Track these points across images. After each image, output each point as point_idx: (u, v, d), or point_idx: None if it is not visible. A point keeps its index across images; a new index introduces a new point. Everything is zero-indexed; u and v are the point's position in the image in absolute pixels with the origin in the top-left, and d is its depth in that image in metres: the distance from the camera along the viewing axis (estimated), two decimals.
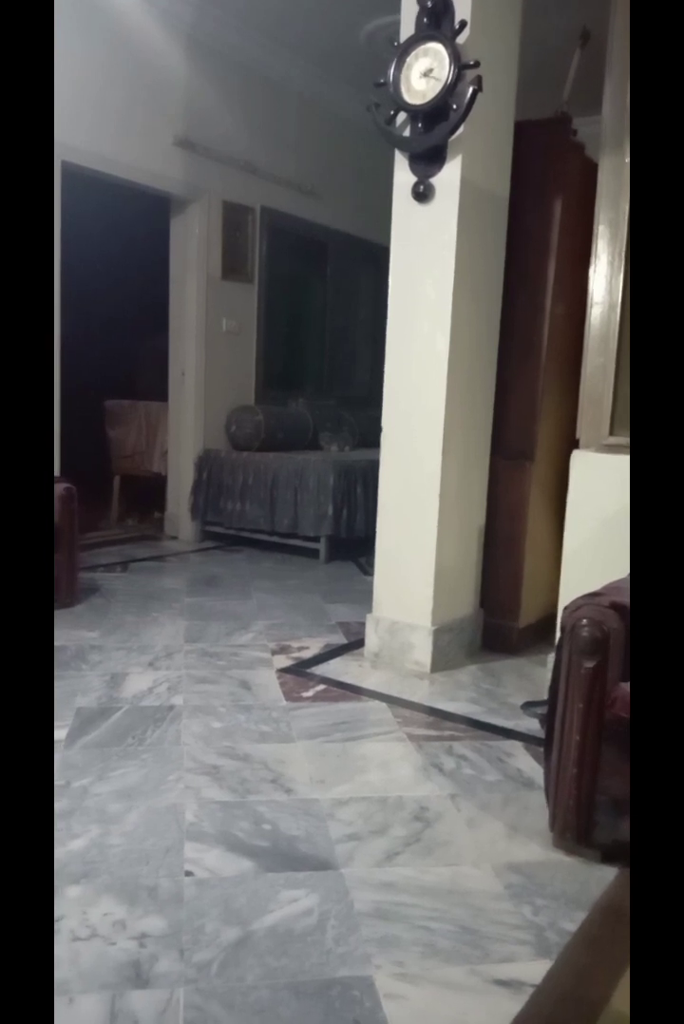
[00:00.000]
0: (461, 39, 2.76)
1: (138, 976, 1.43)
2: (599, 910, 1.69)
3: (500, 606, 3.39)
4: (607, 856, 1.85)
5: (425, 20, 2.82)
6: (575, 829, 1.85)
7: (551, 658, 2.30)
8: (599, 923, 1.66)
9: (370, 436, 5.57)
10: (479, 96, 2.72)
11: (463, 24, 2.74)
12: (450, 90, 2.74)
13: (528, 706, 2.77)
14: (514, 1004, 1.41)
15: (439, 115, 2.81)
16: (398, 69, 2.85)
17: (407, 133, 2.92)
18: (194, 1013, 1.35)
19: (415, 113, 2.86)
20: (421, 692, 2.90)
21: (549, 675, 2.01)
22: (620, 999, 1.44)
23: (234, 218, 5.31)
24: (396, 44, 2.88)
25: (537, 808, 2.04)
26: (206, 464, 5.29)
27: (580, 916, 1.66)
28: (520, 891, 1.74)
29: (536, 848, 1.91)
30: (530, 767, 2.33)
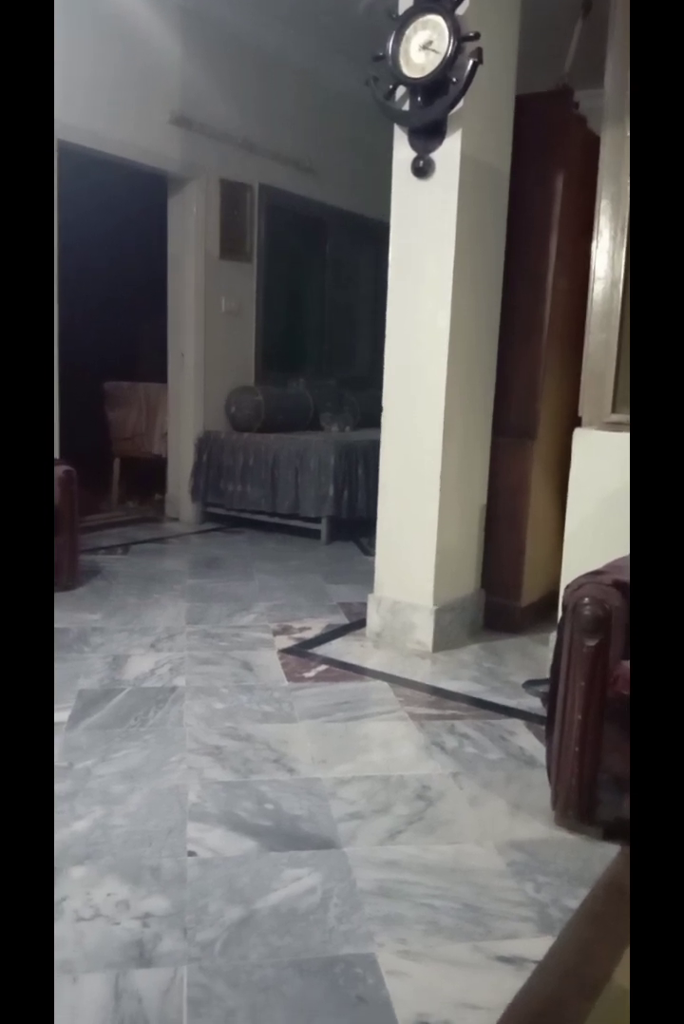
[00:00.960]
0: (461, 10, 2.71)
1: (142, 955, 1.43)
2: (601, 887, 1.70)
3: (502, 585, 3.39)
4: (609, 833, 1.86)
5: None
6: (577, 807, 1.85)
7: (553, 637, 2.30)
8: (601, 900, 1.66)
9: (371, 416, 5.53)
10: (479, 69, 2.68)
11: None
12: (450, 63, 2.70)
13: (530, 685, 2.77)
14: (517, 980, 1.42)
15: (439, 89, 2.77)
16: (397, 42, 2.81)
17: (406, 107, 2.88)
18: (198, 991, 1.36)
19: (414, 87, 2.82)
20: (423, 671, 2.90)
21: (551, 654, 2.01)
22: (622, 975, 1.44)
23: (232, 196, 5.26)
24: (395, 16, 2.84)
25: (539, 786, 2.05)
26: (206, 446, 5.27)
27: (582, 893, 1.67)
28: (522, 868, 1.75)
29: (538, 826, 1.92)
30: (532, 745, 2.33)
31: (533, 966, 1.45)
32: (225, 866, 1.70)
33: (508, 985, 1.40)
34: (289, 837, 1.82)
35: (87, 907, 1.55)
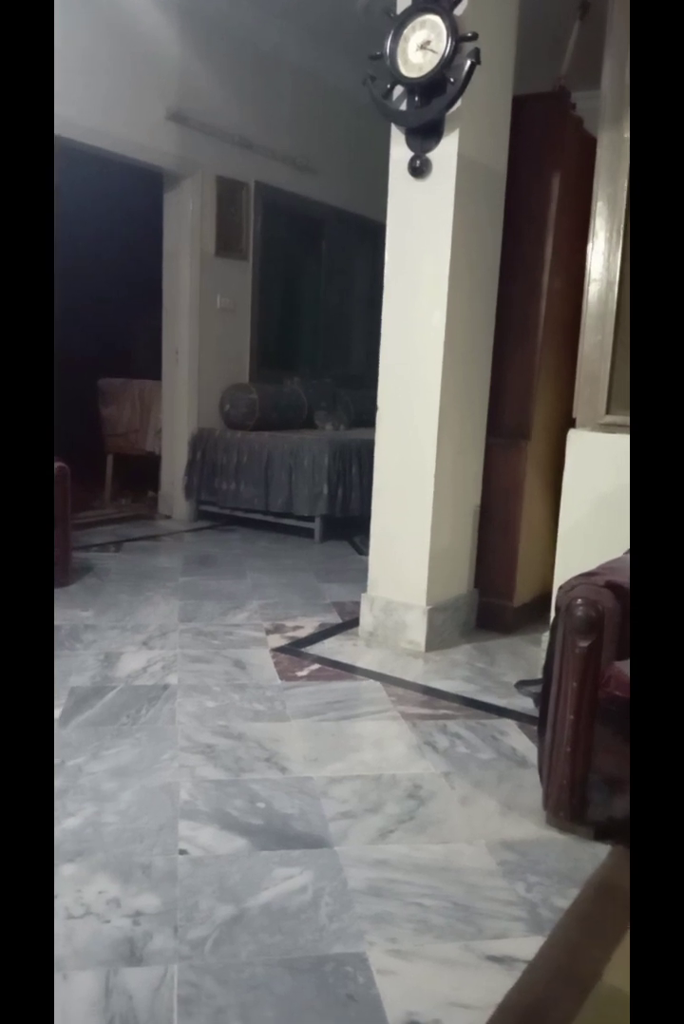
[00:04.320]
0: (459, 11, 2.71)
1: (132, 953, 1.43)
2: (592, 887, 1.70)
3: (495, 585, 3.39)
4: (600, 834, 1.86)
5: None
6: (568, 807, 1.86)
7: (545, 637, 2.30)
8: (592, 900, 1.67)
9: (365, 415, 5.53)
10: (477, 69, 2.68)
11: None
12: (447, 63, 2.70)
13: (522, 685, 2.77)
14: (507, 980, 1.42)
15: (436, 89, 2.77)
16: (395, 41, 2.81)
17: (404, 107, 2.88)
18: (188, 990, 1.36)
19: (412, 86, 2.82)
20: (415, 671, 2.90)
21: (543, 654, 2.02)
22: (612, 974, 1.45)
23: (228, 193, 5.25)
24: (393, 15, 2.84)
25: (531, 786, 2.05)
26: (200, 443, 5.26)
27: (573, 893, 1.67)
28: (513, 868, 1.75)
29: (529, 826, 1.92)
30: (524, 745, 2.33)
31: (523, 965, 1.46)
32: (216, 864, 1.70)
33: (498, 984, 1.41)
34: (280, 836, 1.82)
35: (78, 904, 1.55)
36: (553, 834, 1.89)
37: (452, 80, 2.71)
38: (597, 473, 2.76)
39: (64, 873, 1.64)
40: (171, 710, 2.43)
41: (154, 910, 1.54)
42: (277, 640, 3.12)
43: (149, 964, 1.41)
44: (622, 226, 2.69)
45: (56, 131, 4.15)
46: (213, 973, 1.40)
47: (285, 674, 2.78)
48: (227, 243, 5.31)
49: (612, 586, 1.82)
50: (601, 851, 1.82)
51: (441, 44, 2.71)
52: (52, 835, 1.76)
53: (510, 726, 2.47)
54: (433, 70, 2.73)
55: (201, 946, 1.46)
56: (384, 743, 2.32)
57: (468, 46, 2.68)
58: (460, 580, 3.31)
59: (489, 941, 1.52)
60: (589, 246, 2.78)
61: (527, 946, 1.51)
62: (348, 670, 2.87)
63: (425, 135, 2.86)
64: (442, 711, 2.56)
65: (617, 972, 1.45)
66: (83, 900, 1.56)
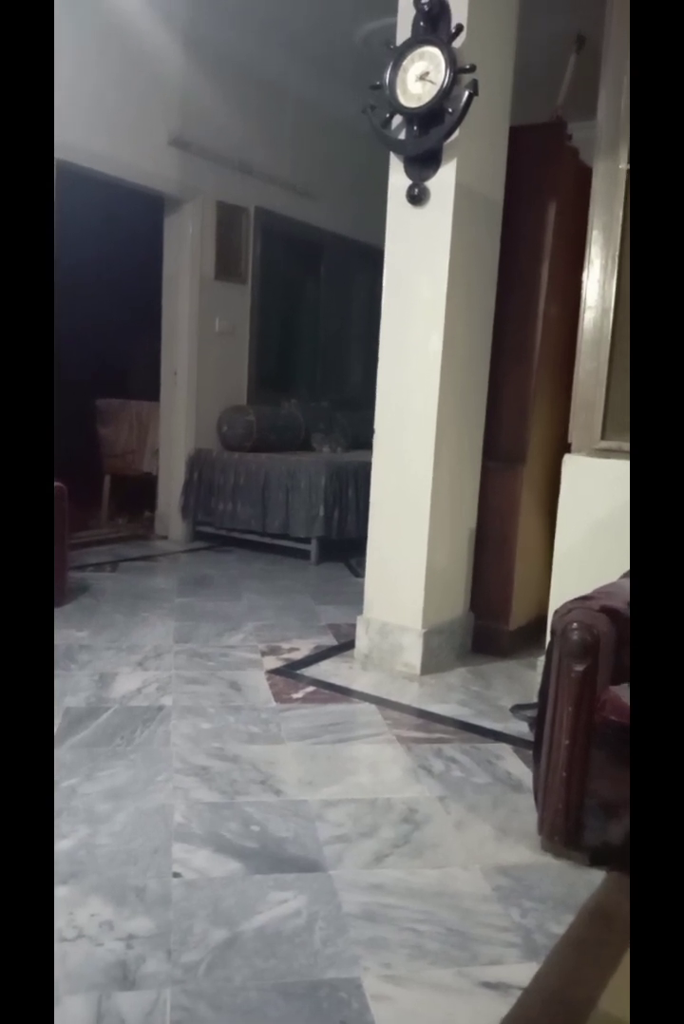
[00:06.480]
0: (457, 43, 2.76)
1: (125, 977, 1.42)
2: (587, 913, 1.70)
3: (490, 609, 3.40)
4: (595, 859, 1.86)
5: (422, 23, 2.82)
6: (563, 832, 1.86)
7: (541, 661, 2.31)
8: (587, 926, 1.66)
9: (362, 438, 5.57)
10: (475, 100, 2.72)
11: (460, 28, 2.75)
12: (446, 94, 2.75)
13: (517, 709, 2.77)
14: (502, 1006, 1.41)
15: (434, 118, 2.81)
16: (394, 72, 2.86)
17: (402, 136, 2.93)
18: (181, 1014, 1.35)
19: (410, 116, 2.86)
20: (411, 694, 2.90)
21: (539, 678, 2.02)
22: (607, 1001, 1.44)
23: (228, 218, 5.30)
24: (392, 46, 2.89)
25: (526, 811, 2.05)
26: (197, 464, 5.27)
27: (568, 919, 1.67)
28: (508, 893, 1.74)
29: (524, 851, 1.92)
30: (519, 770, 2.33)
31: (518, 992, 1.45)
32: (210, 887, 1.69)
33: (493, 1011, 1.40)
34: (275, 859, 1.81)
35: (70, 927, 1.54)
36: (548, 859, 1.88)
37: (450, 110, 2.76)
38: (592, 498, 2.78)
39: (57, 895, 1.63)
40: (166, 732, 2.43)
41: (147, 933, 1.54)
42: (272, 662, 3.12)
43: (142, 988, 1.40)
44: (617, 255, 2.73)
45: (59, 155, 4.20)
46: (207, 997, 1.39)
47: (280, 696, 2.77)
48: (226, 267, 5.36)
49: (608, 610, 1.83)
50: (596, 877, 1.82)
51: (440, 75, 2.75)
52: (52, 860, 1.75)
53: (505, 750, 2.47)
54: (432, 100, 2.78)
55: (194, 970, 1.45)
56: (379, 766, 2.31)
57: (466, 77, 2.72)
58: (456, 603, 3.31)
59: (483, 967, 1.51)
60: (584, 274, 2.81)
61: (521, 972, 1.50)
62: (343, 693, 2.87)
63: (423, 164, 2.90)
64: (437, 735, 2.56)
65: (612, 999, 1.44)
66: (76, 923, 1.55)
